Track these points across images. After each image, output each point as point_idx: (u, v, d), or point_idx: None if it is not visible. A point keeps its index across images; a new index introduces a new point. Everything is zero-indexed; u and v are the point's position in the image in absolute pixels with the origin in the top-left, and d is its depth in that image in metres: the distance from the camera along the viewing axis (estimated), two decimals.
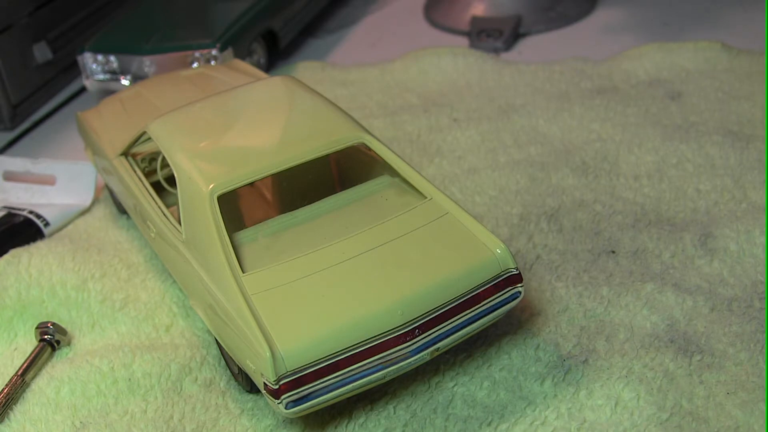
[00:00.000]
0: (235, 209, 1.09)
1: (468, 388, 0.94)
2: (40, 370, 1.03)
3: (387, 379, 0.88)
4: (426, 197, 0.98)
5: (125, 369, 1.00)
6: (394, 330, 0.86)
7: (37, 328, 1.06)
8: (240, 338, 0.87)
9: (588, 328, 1.00)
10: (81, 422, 0.95)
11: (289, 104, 1.07)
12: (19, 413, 0.98)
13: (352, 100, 1.55)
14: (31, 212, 1.28)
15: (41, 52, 1.66)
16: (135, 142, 1.14)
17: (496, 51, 1.69)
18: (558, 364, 0.96)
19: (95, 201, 1.35)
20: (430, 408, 0.93)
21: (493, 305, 0.91)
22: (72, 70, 1.75)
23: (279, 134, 1.01)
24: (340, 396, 0.86)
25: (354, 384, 0.85)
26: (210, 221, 0.93)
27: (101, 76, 1.60)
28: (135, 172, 1.14)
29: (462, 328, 0.90)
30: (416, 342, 0.87)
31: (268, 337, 0.83)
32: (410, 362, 0.87)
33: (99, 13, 1.83)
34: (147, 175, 1.16)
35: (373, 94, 1.57)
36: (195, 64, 1.54)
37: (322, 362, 0.84)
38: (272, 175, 0.97)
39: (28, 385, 1.01)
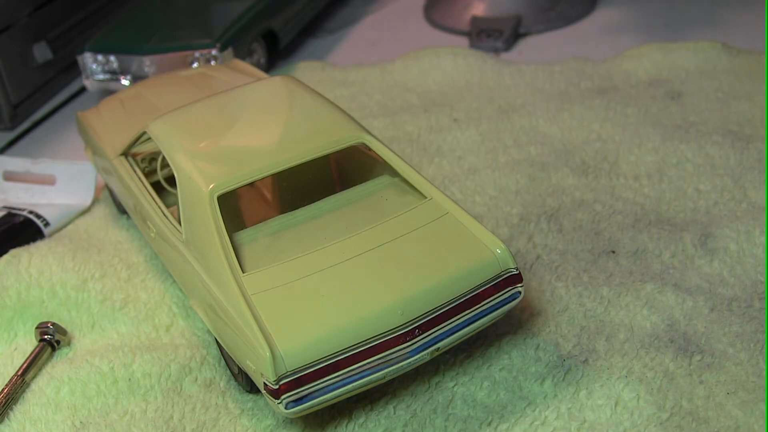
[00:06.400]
0: (235, 209, 1.09)
1: (468, 388, 0.94)
2: (40, 370, 1.03)
3: (387, 379, 0.88)
4: (426, 197, 0.98)
5: (125, 369, 1.00)
6: (394, 330, 0.86)
7: (37, 328, 1.06)
8: (240, 338, 0.87)
9: (588, 328, 1.00)
10: (81, 422, 0.95)
11: (289, 104, 1.07)
12: (19, 413, 0.98)
13: (352, 100, 1.55)
14: (31, 212, 1.28)
15: (41, 52, 1.66)
16: (135, 142, 1.14)
17: (496, 51, 1.69)
18: (558, 364, 0.96)
19: (95, 201, 1.35)
20: (430, 408, 0.93)
21: (493, 305, 0.91)
22: (72, 70, 1.75)
23: (279, 134, 1.01)
24: (340, 396, 0.86)
25: (354, 384, 0.85)
26: (210, 221, 0.93)
27: (101, 76, 1.60)
28: (135, 172, 1.14)
29: (462, 328, 0.90)
30: (416, 342, 0.87)
31: (268, 337, 0.83)
32: (410, 362, 0.87)
33: (99, 13, 1.83)
34: (147, 175, 1.16)
35: (373, 94, 1.57)
36: (195, 64, 1.54)
37: (322, 362, 0.84)
38: (272, 175, 0.97)
39: (28, 385, 1.01)
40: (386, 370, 0.86)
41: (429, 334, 0.88)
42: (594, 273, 1.08)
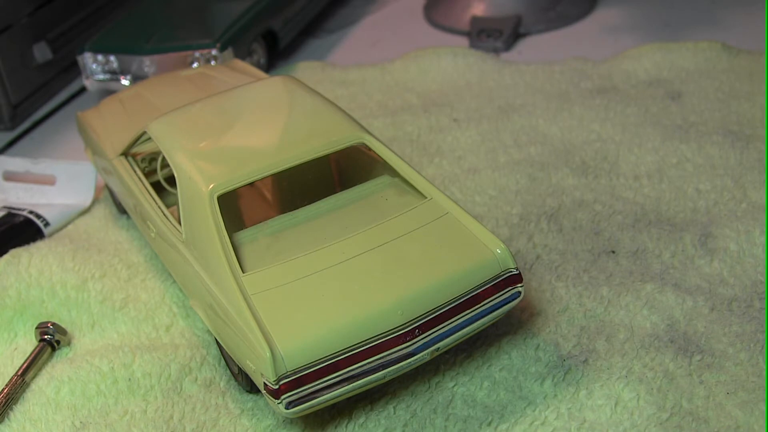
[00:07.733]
0: (235, 209, 1.09)
1: (468, 388, 0.94)
2: (40, 370, 1.03)
3: (387, 379, 0.88)
4: (426, 197, 0.98)
5: (125, 369, 1.00)
6: (394, 330, 0.86)
7: (37, 328, 1.06)
8: (240, 338, 0.87)
9: (588, 328, 1.00)
10: (81, 422, 0.95)
11: (289, 104, 1.07)
12: (19, 413, 0.98)
13: (352, 100, 1.55)
14: (31, 212, 1.28)
15: (41, 52, 1.66)
16: (135, 142, 1.15)
17: (496, 51, 1.69)
18: (558, 364, 0.96)
19: (95, 201, 1.35)
20: (430, 408, 0.93)
21: (493, 305, 0.91)
22: (72, 70, 1.75)
23: (279, 134, 1.01)
24: (340, 396, 0.86)
25: (354, 384, 0.85)
26: (210, 221, 0.93)
27: (101, 76, 1.60)
28: (135, 172, 1.14)
29: (462, 328, 0.90)
30: (416, 342, 0.87)
31: (268, 337, 0.83)
32: (410, 362, 0.87)
33: (99, 13, 1.83)
34: (147, 175, 1.16)
35: (373, 94, 1.57)
36: (195, 64, 1.54)
37: (322, 362, 0.84)
38: (272, 175, 0.97)
39: (28, 385, 1.01)
40: (386, 370, 0.86)
41: (429, 334, 0.88)
42: (594, 273, 1.08)
